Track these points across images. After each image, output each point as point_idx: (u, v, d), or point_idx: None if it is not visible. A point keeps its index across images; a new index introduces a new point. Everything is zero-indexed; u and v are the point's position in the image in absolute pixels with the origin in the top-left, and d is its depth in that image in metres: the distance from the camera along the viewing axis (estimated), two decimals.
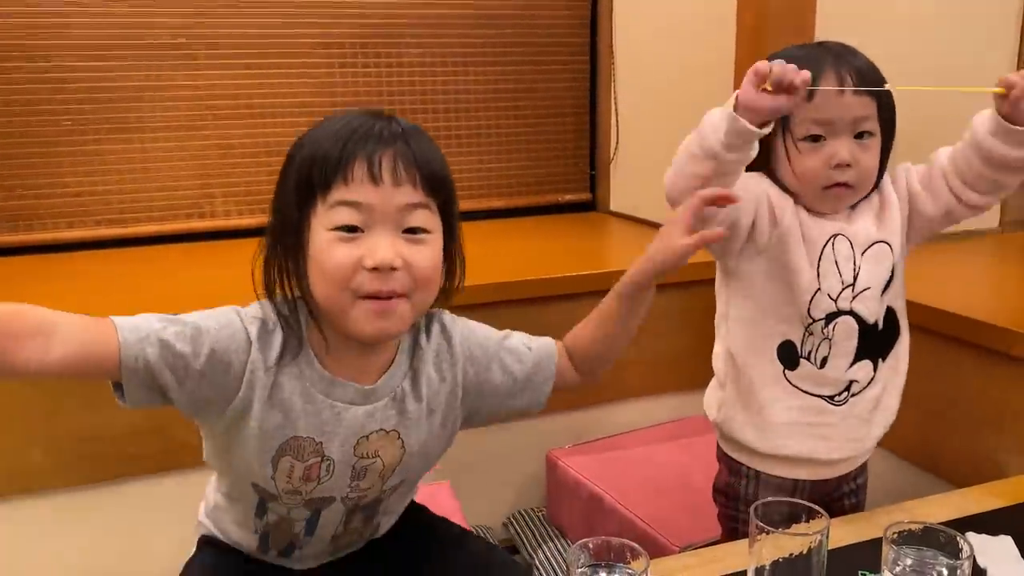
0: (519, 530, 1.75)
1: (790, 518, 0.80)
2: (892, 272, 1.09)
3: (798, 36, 1.77)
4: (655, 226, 2.23)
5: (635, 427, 1.83)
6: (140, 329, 0.81)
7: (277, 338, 0.87)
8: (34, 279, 1.79)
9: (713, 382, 1.19)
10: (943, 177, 1.08)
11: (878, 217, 1.09)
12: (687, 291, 1.82)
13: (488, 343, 0.97)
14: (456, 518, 1.45)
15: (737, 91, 0.92)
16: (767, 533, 0.77)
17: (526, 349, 0.99)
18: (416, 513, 1.10)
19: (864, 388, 1.10)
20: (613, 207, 2.51)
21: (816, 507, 0.80)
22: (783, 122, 1.03)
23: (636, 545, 0.72)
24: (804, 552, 0.77)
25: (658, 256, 0.95)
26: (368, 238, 0.82)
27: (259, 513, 0.95)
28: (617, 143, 2.44)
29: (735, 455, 1.16)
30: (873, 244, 1.08)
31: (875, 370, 1.10)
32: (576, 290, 1.74)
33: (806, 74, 0.90)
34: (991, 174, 1.03)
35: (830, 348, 1.07)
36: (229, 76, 2.12)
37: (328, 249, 0.82)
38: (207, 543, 1.03)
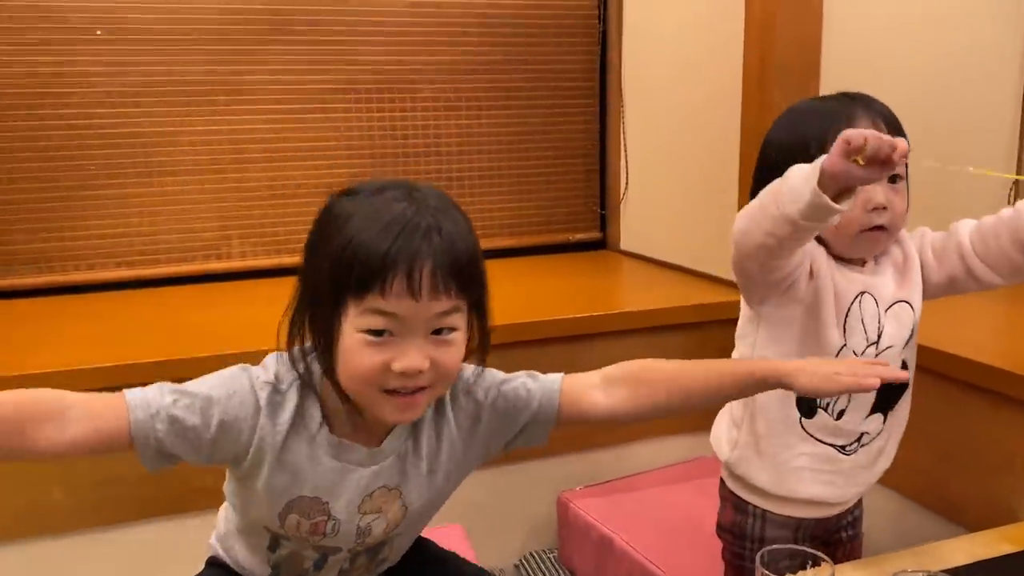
0: (530, 572, 1.74)
1: (795, 563, 0.81)
2: (912, 330, 1.11)
3: (803, 79, 1.81)
4: (664, 264, 2.28)
5: (646, 468, 1.83)
6: (151, 405, 0.83)
7: (290, 401, 0.88)
8: (57, 319, 1.83)
9: (726, 420, 1.20)
10: (958, 248, 1.08)
11: (900, 274, 1.11)
12: (700, 331, 1.84)
13: (492, 402, 0.94)
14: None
15: (822, 159, 0.87)
16: None
17: (524, 392, 0.94)
18: (423, 544, 1.11)
19: (873, 439, 1.12)
20: (623, 246, 2.53)
21: (821, 554, 0.81)
22: None
23: None
24: None
25: (815, 386, 0.86)
26: (398, 342, 0.81)
27: (272, 547, 0.97)
28: (627, 183, 2.48)
29: (743, 494, 1.17)
30: (895, 303, 1.09)
31: (884, 421, 1.12)
32: (587, 331, 1.76)
33: (902, 145, 0.82)
34: (1016, 256, 1.04)
35: (848, 401, 1.08)
36: (247, 120, 2.18)
37: (358, 351, 0.81)
38: (214, 563, 1.05)
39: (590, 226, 2.59)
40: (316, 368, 0.87)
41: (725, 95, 1.95)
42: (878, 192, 1.03)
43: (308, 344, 0.87)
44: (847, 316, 1.06)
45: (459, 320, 0.84)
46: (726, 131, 1.96)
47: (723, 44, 1.95)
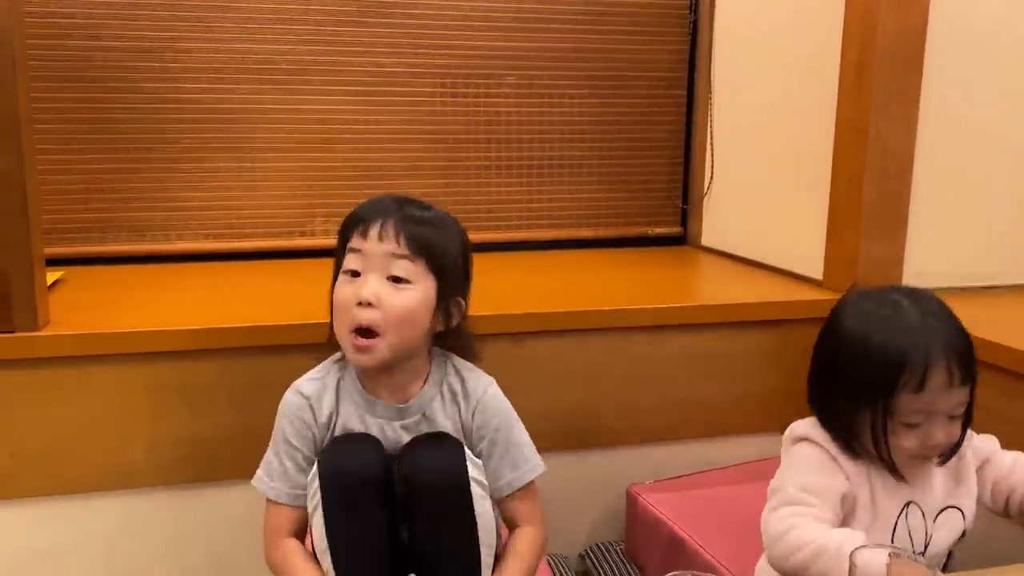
0: (596, 563, 1.72)
1: None
2: (963, 534, 1.10)
3: (905, 71, 1.73)
4: (745, 261, 2.22)
5: (718, 465, 1.79)
6: (263, 476, 1.17)
7: (331, 380, 1.16)
8: (147, 284, 1.89)
9: None
10: (1008, 492, 1.10)
11: (953, 479, 1.10)
12: (783, 328, 1.78)
13: (499, 428, 1.16)
14: None
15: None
16: None
17: (518, 450, 1.17)
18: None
19: None
20: (704, 242, 2.48)
21: None
22: (884, 407, 1.02)
23: None
24: None
25: None
26: (364, 280, 1.09)
27: None
28: (711, 178, 2.42)
29: None
30: (944, 509, 1.08)
31: None
32: (662, 322, 1.73)
33: None
34: None
35: None
36: (336, 101, 2.21)
37: (341, 287, 1.12)
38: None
39: (671, 220, 2.55)
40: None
41: (820, 88, 1.88)
42: (939, 431, 1.02)
43: None
44: (894, 532, 1.06)
45: (411, 273, 1.10)
46: (820, 125, 1.89)
47: (821, 34, 1.88)
